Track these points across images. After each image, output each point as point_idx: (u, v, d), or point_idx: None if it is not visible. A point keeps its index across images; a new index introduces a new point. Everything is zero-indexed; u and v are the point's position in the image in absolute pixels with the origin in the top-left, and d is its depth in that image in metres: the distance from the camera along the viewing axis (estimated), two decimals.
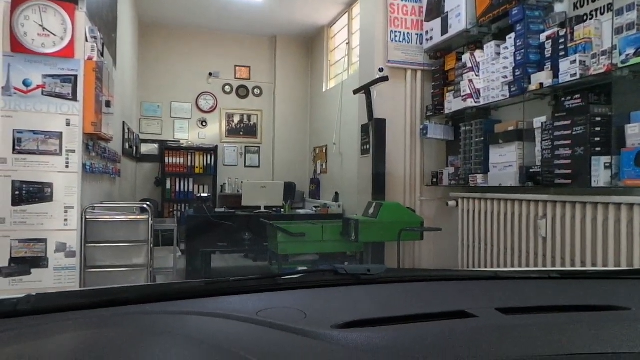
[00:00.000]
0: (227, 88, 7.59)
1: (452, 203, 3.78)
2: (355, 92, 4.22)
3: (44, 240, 2.72)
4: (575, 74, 2.53)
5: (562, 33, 2.69)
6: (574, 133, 2.55)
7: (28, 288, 2.64)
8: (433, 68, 4.06)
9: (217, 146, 7.24)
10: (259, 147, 7.72)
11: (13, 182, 2.66)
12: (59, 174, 2.74)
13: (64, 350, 0.56)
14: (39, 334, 0.59)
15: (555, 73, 2.69)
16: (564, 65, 2.60)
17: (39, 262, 2.71)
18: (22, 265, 2.67)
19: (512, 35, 3.02)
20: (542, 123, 2.80)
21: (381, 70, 4.02)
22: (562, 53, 2.66)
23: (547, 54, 2.79)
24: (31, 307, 0.66)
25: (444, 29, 3.75)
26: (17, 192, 2.66)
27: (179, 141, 7.23)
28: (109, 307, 0.69)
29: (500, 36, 3.26)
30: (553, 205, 2.77)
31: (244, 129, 7.70)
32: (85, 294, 0.81)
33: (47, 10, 2.71)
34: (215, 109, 7.54)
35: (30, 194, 2.68)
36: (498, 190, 3.21)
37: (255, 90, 7.72)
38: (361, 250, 3.69)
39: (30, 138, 2.69)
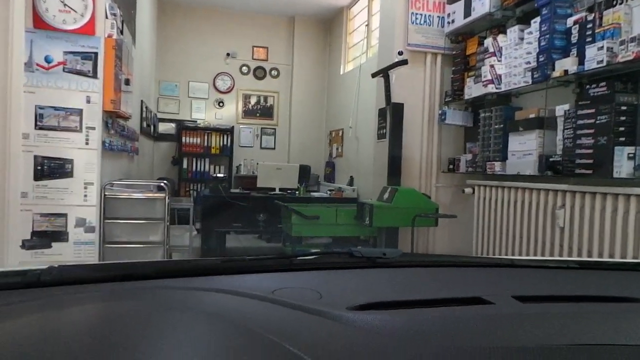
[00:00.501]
0: (245, 69, 7.57)
1: (468, 190, 3.74)
2: (374, 75, 4.17)
3: (64, 215, 2.78)
4: (602, 61, 2.46)
5: (590, 18, 2.60)
6: (597, 122, 2.49)
7: (49, 261, 2.71)
8: (454, 52, 3.98)
9: (233, 127, 7.26)
10: (275, 128, 7.72)
11: (35, 157, 2.71)
12: (79, 151, 2.79)
13: (85, 319, 0.58)
14: (61, 304, 0.61)
15: (581, 60, 2.61)
16: (591, 51, 2.53)
17: (60, 236, 2.78)
18: (43, 238, 2.74)
19: (537, 19, 2.93)
20: (565, 111, 2.73)
21: (400, 53, 3.95)
22: (589, 39, 2.58)
23: (573, 39, 2.71)
24: (53, 278, 0.68)
25: (467, 12, 3.66)
26: (38, 167, 2.72)
27: (196, 121, 7.26)
28: (129, 281, 0.71)
29: (525, 20, 3.17)
30: (572, 195, 2.72)
31: (261, 111, 7.69)
32: (105, 267, 0.83)
33: None
34: (232, 89, 7.54)
35: (51, 169, 2.73)
36: (516, 178, 3.17)
37: (273, 71, 7.68)
38: (375, 235, 3.69)
39: (52, 114, 2.73)
